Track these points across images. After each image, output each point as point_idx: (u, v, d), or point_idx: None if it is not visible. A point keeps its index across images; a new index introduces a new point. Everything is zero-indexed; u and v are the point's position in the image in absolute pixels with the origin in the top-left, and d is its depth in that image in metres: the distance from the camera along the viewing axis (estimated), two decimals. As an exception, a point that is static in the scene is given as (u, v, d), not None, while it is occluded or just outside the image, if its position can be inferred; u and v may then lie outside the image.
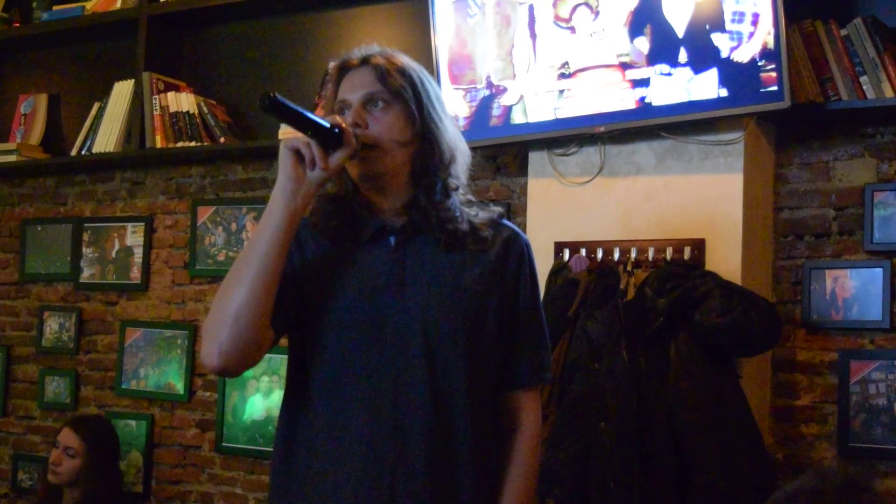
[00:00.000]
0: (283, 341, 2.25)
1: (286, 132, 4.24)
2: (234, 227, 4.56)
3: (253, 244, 2.10)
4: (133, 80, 4.64)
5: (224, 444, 4.50)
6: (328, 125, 2.04)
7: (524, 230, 3.63)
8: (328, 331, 2.17)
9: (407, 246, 2.20)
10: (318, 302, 2.19)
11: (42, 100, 5.14)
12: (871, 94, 3.26)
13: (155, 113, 4.53)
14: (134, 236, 4.84)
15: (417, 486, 2.11)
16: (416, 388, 2.12)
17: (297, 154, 2.06)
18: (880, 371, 3.33)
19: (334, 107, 2.22)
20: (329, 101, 2.26)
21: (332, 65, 2.28)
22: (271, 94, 1.99)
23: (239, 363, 2.11)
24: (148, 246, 4.80)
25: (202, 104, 4.54)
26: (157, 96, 4.53)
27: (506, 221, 2.32)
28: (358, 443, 2.12)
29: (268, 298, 2.08)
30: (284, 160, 2.07)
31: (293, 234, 2.11)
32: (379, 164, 2.16)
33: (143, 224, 4.82)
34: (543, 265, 3.43)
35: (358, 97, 2.18)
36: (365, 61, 2.21)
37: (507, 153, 3.94)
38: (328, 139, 2.04)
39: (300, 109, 2.03)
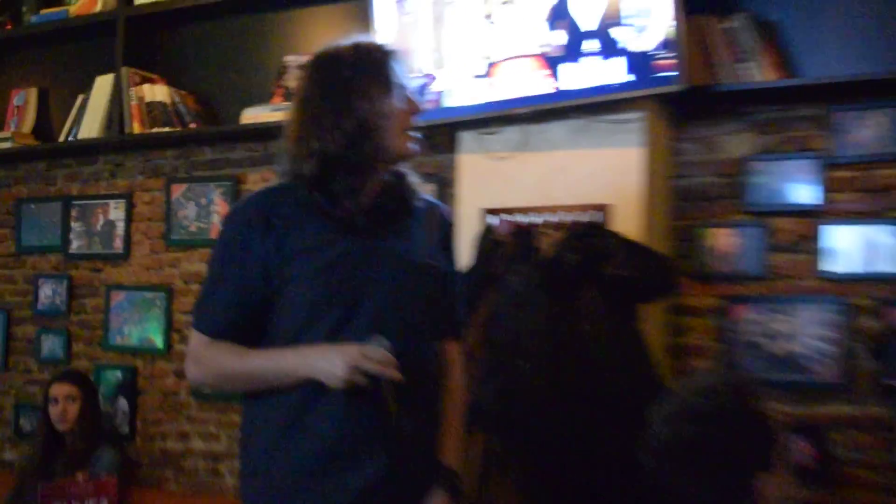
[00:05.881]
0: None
1: (247, 117, 4.25)
2: (203, 201, 4.57)
3: (264, 374, 2.08)
4: (113, 75, 4.62)
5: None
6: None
7: (456, 200, 3.68)
8: (299, 307, 2.08)
9: (374, 225, 2.14)
10: (289, 277, 2.09)
11: (33, 93, 5.11)
12: (750, 79, 3.35)
13: (133, 103, 4.51)
14: (116, 211, 4.83)
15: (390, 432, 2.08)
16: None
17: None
18: (756, 314, 3.43)
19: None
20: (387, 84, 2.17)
21: (378, 51, 2.20)
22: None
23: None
24: (129, 220, 4.79)
25: (174, 94, 4.53)
26: (134, 88, 4.52)
27: (425, 195, 2.30)
28: (330, 399, 2.05)
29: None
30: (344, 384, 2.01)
31: None
32: None
33: (124, 201, 4.81)
34: (474, 229, 3.48)
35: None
36: None
37: (441, 133, 3.96)
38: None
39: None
